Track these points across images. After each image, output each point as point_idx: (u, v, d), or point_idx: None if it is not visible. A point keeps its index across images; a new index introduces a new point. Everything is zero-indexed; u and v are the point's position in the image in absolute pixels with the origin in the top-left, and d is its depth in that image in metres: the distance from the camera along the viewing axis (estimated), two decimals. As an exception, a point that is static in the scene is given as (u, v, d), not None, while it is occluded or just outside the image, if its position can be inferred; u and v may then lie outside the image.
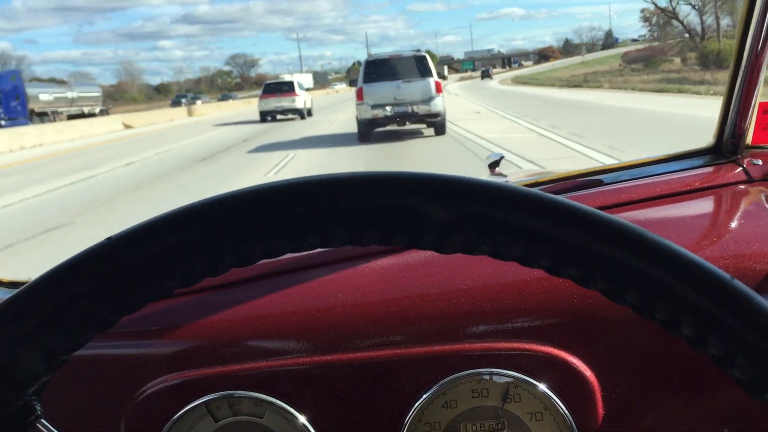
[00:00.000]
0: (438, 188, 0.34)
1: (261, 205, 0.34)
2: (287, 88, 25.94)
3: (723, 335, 0.31)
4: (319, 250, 0.82)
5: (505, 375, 0.72)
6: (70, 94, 42.78)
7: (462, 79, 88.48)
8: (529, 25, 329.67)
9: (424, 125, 14.60)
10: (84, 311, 0.35)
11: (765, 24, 0.91)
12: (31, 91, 38.00)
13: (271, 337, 0.74)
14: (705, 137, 1.05)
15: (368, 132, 14.34)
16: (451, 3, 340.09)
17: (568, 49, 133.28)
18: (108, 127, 29.67)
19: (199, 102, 60.00)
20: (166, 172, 12.13)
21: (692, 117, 13.25)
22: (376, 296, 0.75)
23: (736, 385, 0.32)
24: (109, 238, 0.35)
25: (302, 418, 0.72)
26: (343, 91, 63.41)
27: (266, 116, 26.09)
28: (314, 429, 0.72)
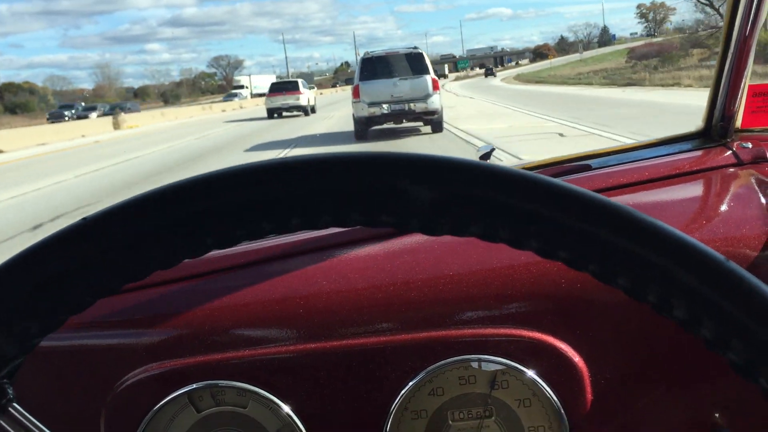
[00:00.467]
0: (423, 167, 0.33)
1: (243, 186, 0.33)
2: (292, 86, 28.61)
3: (717, 318, 0.30)
4: (303, 236, 0.82)
5: (493, 362, 0.71)
6: None
7: (458, 78, 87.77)
8: (517, 24, 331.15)
9: (421, 123, 14.60)
10: (58, 293, 0.34)
11: (753, 7, 0.91)
12: None
13: (254, 325, 0.73)
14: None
15: (365, 130, 14.33)
16: (439, 3, 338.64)
17: (564, 46, 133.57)
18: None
19: (94, 114, 51.22)
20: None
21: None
22: (362, 283, 0.74)
23: (726, 370, 0.31)
24: (84, 219, 0.34)
25: (286, 408, 0.71)
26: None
27: (273, 113, 28.34)
28: (299, 418, 0.71)
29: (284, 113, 28.45)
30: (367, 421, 0.73)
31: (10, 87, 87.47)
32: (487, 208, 0.33)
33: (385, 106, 13.68)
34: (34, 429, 0.40)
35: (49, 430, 0.41)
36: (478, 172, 0.33)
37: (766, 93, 0.98)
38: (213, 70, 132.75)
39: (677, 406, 0.73)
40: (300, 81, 30.24)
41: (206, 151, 16.32)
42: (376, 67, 14.05)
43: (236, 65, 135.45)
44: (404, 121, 14.36)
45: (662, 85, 27.92)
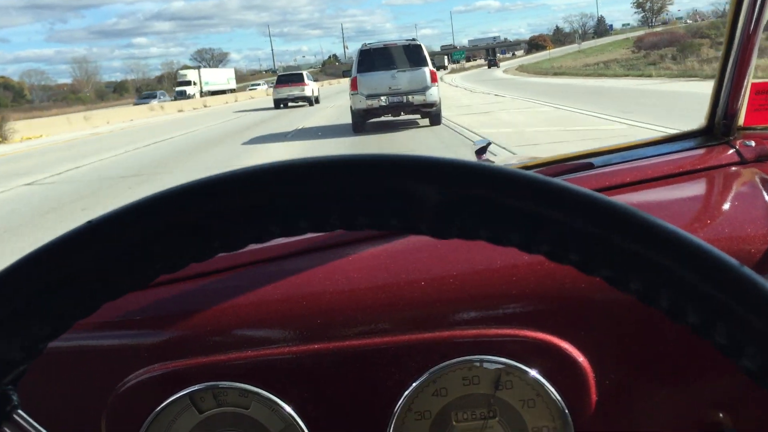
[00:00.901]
0: (432, 170, 0.32)
1: (249, 189, 0.33)
2: (297, 78, 30.46)
3: (731, 324, 0.30)
4: (304, 236, 0.81)
5: (497, 362, 0.71)
6: None
7: (453, 71, 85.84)
8: (504, 17, 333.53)
9: (419, 116, 14.56)
10: (65, 296, 0.33)
11: (757, 4, 0.90)
12: None
13: (256, 325, 0.73)
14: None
15: (363, 123, 14.29)
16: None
17: (559, 37, 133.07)
18: None
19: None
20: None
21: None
22: (364, 283, 0.74)
23: (730, 371, 0.32)
24: (89, 222, 0.33)
25: (289, 408, 0.71)
26: (262, 96, 49.94)
27: (279, 104, 29.90)
28: (301, 419, 0.71)
29: (290, 104, 29.92)
30: (371, 422, 0.72)
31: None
32: (496, 211, 0.32)
33: (383, 98, 13.63)
34: None
35: None
36: (487, 175, 0.32)
37: (770, 91, 0.98)
38: (196, 63, 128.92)
39: (682, 405, 0.73)
40: (305, 73, 31.82)
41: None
42: (374, 58, 13.98)
43: (220, 58, 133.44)
44: (402, 113, 14.32)
45: (690, 76, 26.01)
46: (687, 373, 0.72)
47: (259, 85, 78.43)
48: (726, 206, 0.81)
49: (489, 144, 1.40)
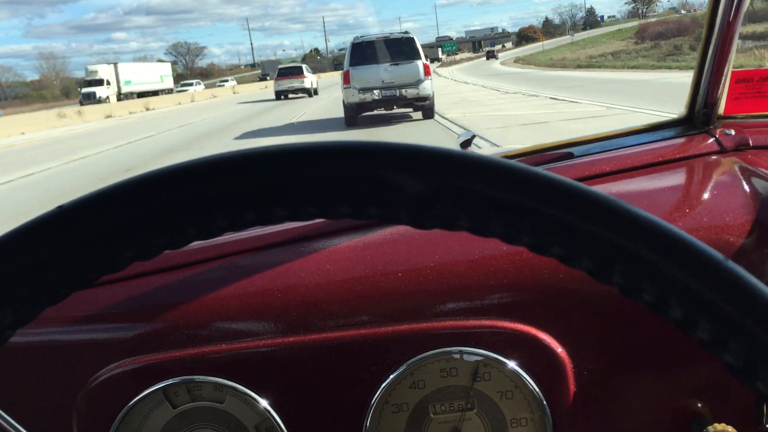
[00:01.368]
0: (412, 158, 0.32)
1: (225, 175, 0.32)
2: (297, 71, 32.62)
3: (715, 319, 0.29)
4: (280, 227, 0.81)
5: (475, 353, 0.70)
6: None
7: (443, 64, 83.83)
8: (486, 10, 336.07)
9: (412, 109, 14.53)
10: (32, 283, 0.32)
11: None
12: None
13: (231, 318, 0.72)
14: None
15: (355, 117, 14.25)
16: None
17: (549, 29, 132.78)
18: None
19: None
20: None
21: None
22: (340, 275, 0.73)
23: (708, 361, 0.31)
24: (60, 207, 0.33)
25: (264, 402, 0.71)
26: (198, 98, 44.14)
27: (280, 95, 31.87)
28: (277, 413, 0.71)
29: (290, 95, 31.95)
30: (347, 414, 0.72)
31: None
32: (476, 200, 0.31)
33: (376, 91, 13.58)
34: (8, 428, 0.40)
35: (22, 428, 0.41)
36: (468, 163, 0.32)
37: (749, 79, 0.97)
38: (171, 58, 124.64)
39: (660, 395, 0.73)
40: (304, 66, 34.01)
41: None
42: (366, 52, 13.93)
43: (197, 52, 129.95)
44: (395, 107, 14.29)
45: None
46: (665, 364, 0.72)
47: (191, 85, 64.91)
48: (706, 195, 0.81)
49: (474, 137, 1.40)
